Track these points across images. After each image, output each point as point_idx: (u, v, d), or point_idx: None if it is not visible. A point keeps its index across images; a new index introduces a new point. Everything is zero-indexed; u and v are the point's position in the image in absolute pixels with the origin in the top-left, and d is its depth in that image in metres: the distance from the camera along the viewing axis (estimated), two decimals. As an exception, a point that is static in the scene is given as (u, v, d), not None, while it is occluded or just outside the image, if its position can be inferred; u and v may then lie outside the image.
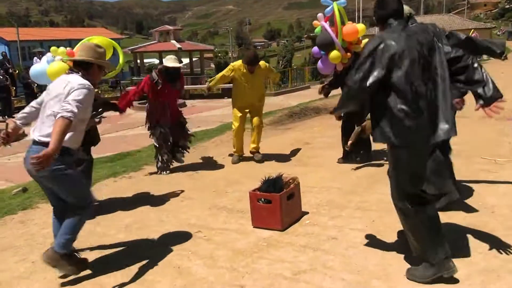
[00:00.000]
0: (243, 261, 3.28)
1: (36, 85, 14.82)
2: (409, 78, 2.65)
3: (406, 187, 2.79)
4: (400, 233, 3.37)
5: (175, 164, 6.18)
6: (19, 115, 3.28)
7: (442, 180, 3.77)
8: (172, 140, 5.87)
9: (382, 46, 2.68)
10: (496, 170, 5.04)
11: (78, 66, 3.19)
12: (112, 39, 5.01)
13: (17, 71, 16.51)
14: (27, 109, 3.26)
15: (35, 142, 3.01)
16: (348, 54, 4.73)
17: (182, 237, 3.80)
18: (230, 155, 6.55)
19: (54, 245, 3.11)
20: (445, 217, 3.78)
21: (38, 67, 4.39)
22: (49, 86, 3.22)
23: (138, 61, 25.63)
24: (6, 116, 13.70)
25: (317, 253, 3.33)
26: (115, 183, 5.62)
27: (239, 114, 6.27)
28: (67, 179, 3.04)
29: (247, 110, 6.34)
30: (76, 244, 3.57)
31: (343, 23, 4.67)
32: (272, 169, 5.33)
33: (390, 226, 3.68)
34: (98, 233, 4.02)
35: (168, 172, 5.89)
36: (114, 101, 5.06)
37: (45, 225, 4.32)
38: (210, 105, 15.12)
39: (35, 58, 17.36)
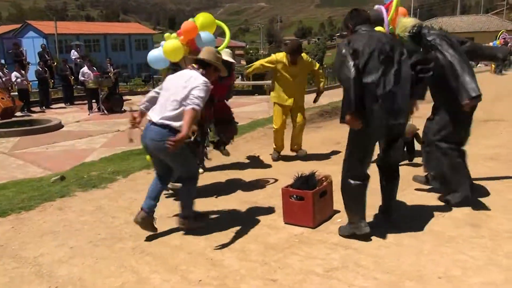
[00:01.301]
0: (275, 256, 3.31)
1: (73, 77, 15.27)
2: (368, 69, 3.24)
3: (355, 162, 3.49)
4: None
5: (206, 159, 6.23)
6: (142, 103, 3.88)
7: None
8: (215, 136, 5.83)
9: (350, 44, 3.32)
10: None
11: (199, 65, 3.69)
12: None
13: (55, 63, 16.99)
14: (148, 97, 3.87)
15: (154, 123, 3.56)
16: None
17: (215, 230, 3.86)
18: (272, 152, 6.44)
19: (182, 212, 3.79)
20: (481, 221, 3.72)
21: (156, 52, 4.54)
22: (170, 77, 3.75)
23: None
24: (44, 107, 14.17)
25: (348, 251, 3.33)
26: (149, 175, 5.73)
27: (281, 111, 6.10)
28: (180, 154, 3.60)
29: (290, 106, 6.09)
30: (112, 232, 3.68)
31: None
32: (304, 167, 5.33)
33: (424, 227, 3.64)
34: (133, 222, 4.11)
35: (201, 170, 5.85)
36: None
37: (82, 212, 4.48)
38: (240, 102, 15.17)
39: (73, 50, 17.86)
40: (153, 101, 3.78)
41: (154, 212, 3.78)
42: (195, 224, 3.82)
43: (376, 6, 5.22)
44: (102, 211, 4.49)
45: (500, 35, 21.73)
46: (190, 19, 4.74)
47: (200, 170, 5.86)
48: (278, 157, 6.28)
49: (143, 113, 3.87)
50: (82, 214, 4.43)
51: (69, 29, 39.91)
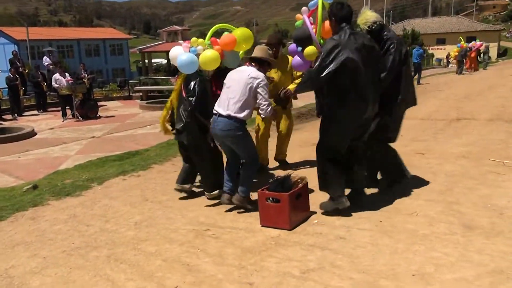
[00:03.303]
0: (252, 259, 3.31)
1: (45, 83, 14.97)
2: (355, 76, 3.74)
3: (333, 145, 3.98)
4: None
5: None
6: None
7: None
8: None
9: (338, 48, 3.74)
10: (504, 172, 5.03)
11: (255, 62, 4.25)
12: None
13: (26, 70, 16.63)
14: None
15: (221, 115, 4.15)
16: None
17: (191, 235, 3.84)
18: None
19: (239, 191, 4.28)
20: (454, 218, 3.80)
21: (185, 57, 4.43)
22: (231, 74, 4.32)
23: (146, 61, 25.76)
24: (16, 115, 13.85)
25: (325, 252, 3.35)
26: (124, 181, 5.67)
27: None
28: (244, 141, 4.22)
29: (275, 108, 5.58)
30: (87, 241, 3.62)
31: (325, 19, 4.43)
32: (280, 169, 5.35)
33: (398, 227, 3.70)
34: (108, 230, 4.07)
35: None
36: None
37: (55, 221, 4.39)
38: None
39: (45, 57, 17.57)
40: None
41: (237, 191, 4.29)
42: (249, 204, 4.28)
43: (302, 15, 4.52)
44: (76, 220, 4.41)
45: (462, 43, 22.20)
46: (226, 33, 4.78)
47: None
48: (266, 170, 5.67)
49: None
50: (55, 223, 4.34)
51: (42, 35, 39.13)
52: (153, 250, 3.59)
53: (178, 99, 4.68)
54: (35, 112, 14.87)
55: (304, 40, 4.30)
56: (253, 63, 4.26)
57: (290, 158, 6.34)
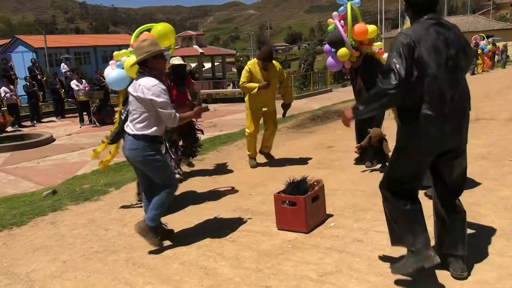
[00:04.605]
0: (269, 263, 3.30)
1: (63, 90, 15.23)
2: (435, 82, 2.56)
3: (399, 179, 2.78)
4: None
5: (199, 167, 6.24)
6: None
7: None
8: (182, 146, 5.79)
9: (409, 43, 2.57)
10: (525, 172, 4.94)
11: (142, 68, 3.58)
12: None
13: (45, 78, 16.94)
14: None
15: (129, 134, 3.61)
16: (357, 52, 4.75)
17: (208, 238, 3.85)
18: (247, 160, 6.48)
19: (146, 219, 3.64)
20: (474, 219, 3.74)
21: (114, 74, 4.44)
22: (131, 84, 3.66)
23: (161, 66, 25.93)
24: (35, 122, 14.10)
25: (342, 255, 3.33)
26: (141, 186, 5.72)
27: (255, 116, 6.21)
28: (155, 162, 3.58)
29: (263, 111, 6.18)
30: (105, 245, 3.66)
31: (355, 22, 4.72)
32: (295, 171, 5.33)
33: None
34: (126, 234, 4.11)
35: (178, 176, 5.84)
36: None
37: (74, 226, 4.45)
38: (232, 109, 15.22)
39: (62, 64, 17.83)
40: None
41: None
42: (153, 238, 3.63)
43: (333, 24, 4.87)
44: (95, 224, 4.46)
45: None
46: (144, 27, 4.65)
47: (177, 176, 5.85)
48: (256, 163, 6.30)
49: None
50: (74, 228, 4.40)
51: (59, 42, 39.77)
52: (170, 253, 3.61)
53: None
54: (53, 118, 15.13)
55: (337, 42, 4.68)
56: (141, 70, 3.60)
57: (306, 162, 6.35)
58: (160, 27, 4.50)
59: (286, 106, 6.36)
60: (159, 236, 3.70)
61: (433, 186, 2.96)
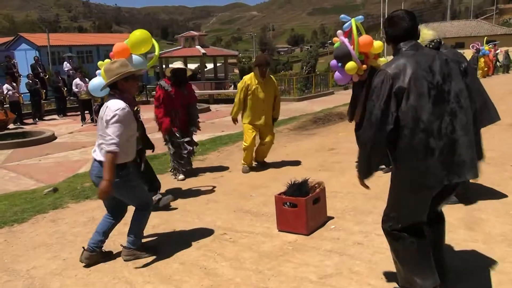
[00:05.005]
0: (269, 264, 3.30)
1: (66, 89, 15.25)
2: (416, 114, 2.35)
3: (401, 217, 2.58)
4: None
5: (199, 167, 6.24)
6: None
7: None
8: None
9: (385, 82, 2.39)
10: (527, 178, 4.93)
11: (113, 89, 3.40)
12: None
13: (47, 76, 16.96)
14: None
15: (95, 160, 3.40)
16: (364, 66, 4.84)
17: (208, 238, 3.85)
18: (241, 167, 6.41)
19: (126, 244, 3.55)
20: (475, 225, 3.73)
21: (95, 81, 4.42)
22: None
23: (164, 66, 25.99)
24: (36, 119, 14.12)
25: (343, 257, 3.33)
26: (142, 185, 5.72)
27: (252, 129, 6.16)
28: (127, 189, 3.44)
29: (260, 124, 6.17)
30: (107, 245, 3.66)
31: (359, 35, 4.83)
32: (297, 174, 5.33)
33: (417, 233, 3.64)
34: (126, 233, 4.09)
35: (182, 177, 5.91)
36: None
37: (75, 224, 4.45)
38: (234, 110, 15.21)
39: (65, 62, 17.84)
40: None
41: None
42: (141, 254, 3.55)
43: (339, 37, 4.95)
44: (95, 222, 4.43)
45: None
46: (125, 41, 4.54)
47: (182, 176, 5.88)
48: (249, 169, 6.24)
49: None
50: (75, 226, 4.40)
51: (62, 40, 39.80)
52: (170, 253, 3.60)
53: None
54: (55, 116, 15.14)
55: (343, 57, 4.77)
56: (111, 92, 3.42)
57: (307, 164, 6.35)
58: (138, 33, 4.48)
59: (273, 120, 6.42)
60: (149, 251, 3.61)
61: None
